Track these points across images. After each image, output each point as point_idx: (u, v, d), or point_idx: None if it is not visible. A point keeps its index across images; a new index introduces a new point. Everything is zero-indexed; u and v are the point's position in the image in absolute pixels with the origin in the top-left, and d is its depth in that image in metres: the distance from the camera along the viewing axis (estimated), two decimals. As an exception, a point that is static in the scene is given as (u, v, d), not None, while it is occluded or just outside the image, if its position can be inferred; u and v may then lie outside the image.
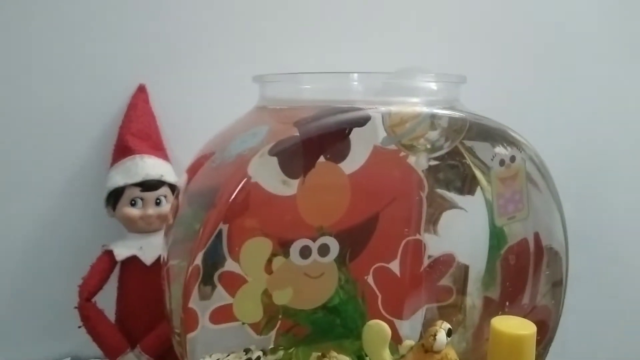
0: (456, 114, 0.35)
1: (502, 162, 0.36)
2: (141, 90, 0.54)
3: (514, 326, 0.33)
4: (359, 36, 0.58)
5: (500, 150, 0.37)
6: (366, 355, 0.45)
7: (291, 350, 0.40)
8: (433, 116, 0.35)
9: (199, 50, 0.56)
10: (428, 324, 0.48)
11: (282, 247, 0.36)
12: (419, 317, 0.50)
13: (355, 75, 0.37)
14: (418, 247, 0.49)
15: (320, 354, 0.47)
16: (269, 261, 0.33)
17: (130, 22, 0.54)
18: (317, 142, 0.33)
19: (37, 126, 0.54)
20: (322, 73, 0.37)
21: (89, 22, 0.54)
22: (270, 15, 0.57)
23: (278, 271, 0.33)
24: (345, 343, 0.42)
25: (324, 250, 0.34)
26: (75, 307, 0.49)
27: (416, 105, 0.34)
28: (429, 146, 0.37)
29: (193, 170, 0.42)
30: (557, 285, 0.43)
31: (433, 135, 0.36)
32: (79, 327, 0.49)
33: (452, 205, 0.47)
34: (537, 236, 0.43)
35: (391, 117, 0.32)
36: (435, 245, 0.48)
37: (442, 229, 0.48)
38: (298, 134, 0.31)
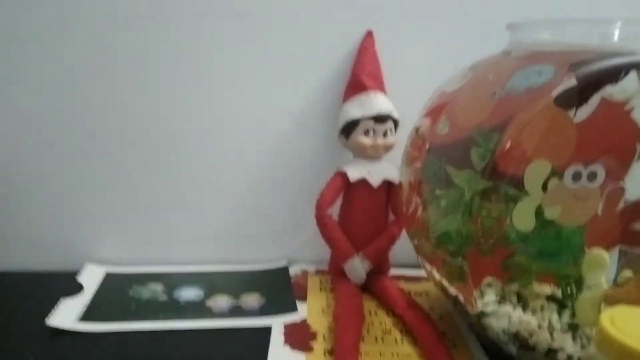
0: None
1: None
2: (369, 35, 0.60)
3: None
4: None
5: None
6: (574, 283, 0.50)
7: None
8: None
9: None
10: (628, 262, 0.51)
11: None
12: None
13: (619, 22, 0.40)
14: (619, 193, 0.53)
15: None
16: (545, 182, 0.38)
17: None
18: (593, 83, 0.37)
19: (283, 65, 0.61)
20: (584, 20, 0.41)
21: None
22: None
23: (552, 191, 0.39)
24: (566, 268, 0.46)
25: (592, 176, 0.39)
26: (315, 217, 0.57)
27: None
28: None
29: (435, 112, 0.47)
30: None
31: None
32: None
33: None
34: None
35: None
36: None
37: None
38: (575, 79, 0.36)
